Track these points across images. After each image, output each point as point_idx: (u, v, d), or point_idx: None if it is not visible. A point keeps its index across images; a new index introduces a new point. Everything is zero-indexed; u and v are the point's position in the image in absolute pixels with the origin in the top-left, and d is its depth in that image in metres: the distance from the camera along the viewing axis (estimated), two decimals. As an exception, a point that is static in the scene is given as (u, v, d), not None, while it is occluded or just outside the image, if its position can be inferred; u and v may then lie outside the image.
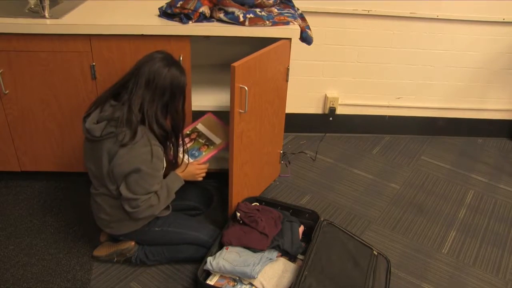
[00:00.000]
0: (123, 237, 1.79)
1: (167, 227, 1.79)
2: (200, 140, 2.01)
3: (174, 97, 1.67)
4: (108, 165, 1.61)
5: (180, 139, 1.81)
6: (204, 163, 1.95)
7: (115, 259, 1.83)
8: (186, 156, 1.90)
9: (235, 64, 1.69)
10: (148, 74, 1.61)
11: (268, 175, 2.28)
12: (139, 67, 1.63)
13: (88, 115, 1.67)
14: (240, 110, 1.80)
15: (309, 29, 2.06)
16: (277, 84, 2.03)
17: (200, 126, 2.06)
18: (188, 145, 1.99)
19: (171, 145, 1.76)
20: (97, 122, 1.62)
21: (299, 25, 1.97)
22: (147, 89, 1.61)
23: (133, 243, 1.81)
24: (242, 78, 1.74)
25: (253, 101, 1.87)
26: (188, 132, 2.04)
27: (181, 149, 1.87)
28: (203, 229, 1.85)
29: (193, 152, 1.97)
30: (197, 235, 1.82)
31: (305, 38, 2.04)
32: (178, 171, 1.84)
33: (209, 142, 2.01)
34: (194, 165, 1.90)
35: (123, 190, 1.61)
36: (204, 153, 1.97)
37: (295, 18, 1.98)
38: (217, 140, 2.02)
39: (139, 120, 1.60)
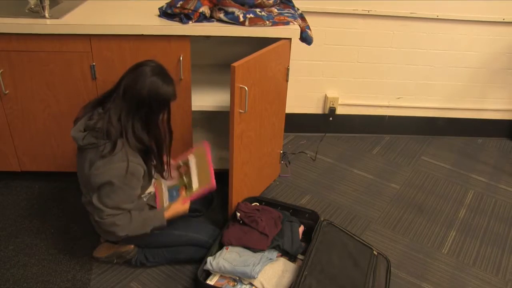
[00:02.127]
0: (121, 242, 1.79)
1: (167, 229, 1.77)
2: (185, 178, 1.87)
3: (151, 110, 1.57)
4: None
5: (165, 161, 1.74)
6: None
7: (115, 260, 1.83)
8: (166, 195, 1.83)
9: (235, 64, 1.69)
10: (126, 83, 1.55)
11: (268, 175, 2.29)
12: (123, 75, 1.59)
13: (77, 119, 1.64)
14: (240, 110, 1.80)
15: (309, 29, 2.06)
16: (277, 84, 2.03)
17: (191, 158, 1.89)
18: (173, 181, 1.87)
19: (154, 162, 1.69)
20: (84, 130, 1.59)
21: (299, 25, 1.97)
22: (124, 99, 1.55)
23: (132, 246, 1.81)
24: (242, 78, 1.75)
25: (253, 101, 1.87)
26: (180, 163, 1.91)
27: (164, 185, 1.83)
28: (202, 230, 1.85)
29: (172, 192, 1.84)
30: (196, 236, 1.82)
31: (305, 38, 2.04)
32: (167, 212, 1.74)
33: (188, 185, 1.84)
34: (176, 204, 1.78)
35: (94, 198, 1.58)
36: (180, 197, 1.81)
37: (295, 18, 1.99)
38: (194, 184, 1.82)
39: (119, 132, 1.54)
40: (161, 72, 1.60)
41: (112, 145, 1.53)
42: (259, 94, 1.89)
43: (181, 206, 1.77)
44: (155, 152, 1.67)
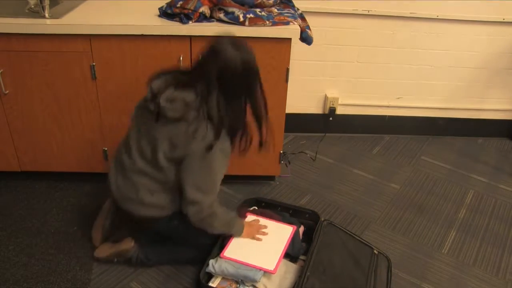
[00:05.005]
0: (143, 220, 1.72)
1: (184, 223, 1.73)
2: None
3: (252, 84, 1.56)
4: (168, 151, 1.55)
5: (264, 133, 1.68)
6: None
7: (115, 260, 1.83)
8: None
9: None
10: (217, 67, 1.49)
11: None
12: (205, 59, 1.52)
13: (152, 80, 1.58)
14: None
15: (309, 29, 2.06)
16: (277, 85, 2.03)
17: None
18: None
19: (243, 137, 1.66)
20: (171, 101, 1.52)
21: (299, 25, 1.97)
22: (220, 85, 1.50)
23: (132, 243, 1.80)
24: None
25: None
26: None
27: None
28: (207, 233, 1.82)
29: None
30: (203, 240, 1.79)
31: (305, 38, 2.04)
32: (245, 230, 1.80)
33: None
34: (254, 225, 1.85)
35: (189, 190, 1.57)
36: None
37: (295, 18, 1.98)
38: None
39: (219, 118, 1.52)
40: (239, 42, 1.52)
41: (215, 131, 1.51)
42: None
43: (250, 230, 1.82)
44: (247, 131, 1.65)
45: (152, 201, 1.66)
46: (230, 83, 1.52)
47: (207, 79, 1.50)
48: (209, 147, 1.52)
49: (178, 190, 1.65)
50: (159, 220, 1.72)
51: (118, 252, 1.80)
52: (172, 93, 1.52)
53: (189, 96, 1.50)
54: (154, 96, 1.54)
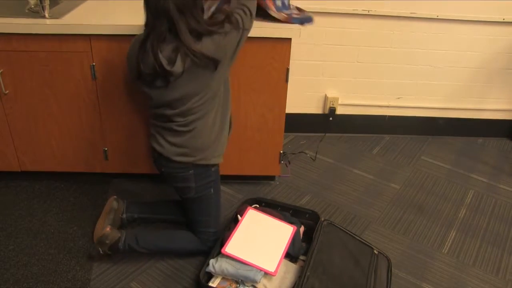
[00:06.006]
0: (179, 169, 1.73)
1: (216, 185, 1.81)
2: None
3: None
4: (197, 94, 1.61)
5: None
6: None
7: (101, 251, 1.80)
8: None
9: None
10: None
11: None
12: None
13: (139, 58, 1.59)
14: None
15: (300, 10, 2.00)
16: (277, 85, 2.03)
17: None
18: None
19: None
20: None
21: (289, 15, 1.92)
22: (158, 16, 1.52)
23: (108, 228, 1.80)
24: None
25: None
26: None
27: None
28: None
29: None
30: (215, 221, 1.85)
31: (302, 21, 1.95)
32: None
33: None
34: None
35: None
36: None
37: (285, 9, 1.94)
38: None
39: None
40: None
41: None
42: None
43: None
44: None
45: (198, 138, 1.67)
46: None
47: (168, 16, 1.51)
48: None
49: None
50: (196, 168, 1.72)
51: (99, 241, 1.79)
52: (165, 56, 1.52)
53: (171, 44, 1.52)
54: (158, 69, 1.54)
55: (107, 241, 1.79)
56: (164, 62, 1.51)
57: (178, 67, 1.52)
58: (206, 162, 1.72)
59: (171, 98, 1.60)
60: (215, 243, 1.83)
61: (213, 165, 1.77)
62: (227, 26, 1.56)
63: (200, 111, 1.64)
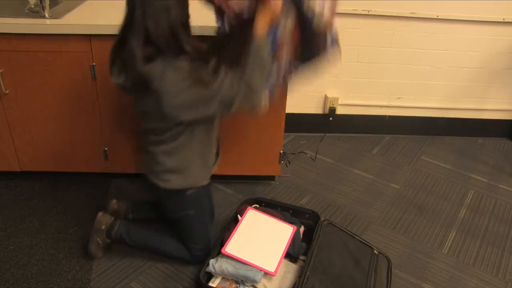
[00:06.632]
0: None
1: (196, 207, 1.72)
2: None
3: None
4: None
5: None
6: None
7: (99, 242, 1.81)
8: None
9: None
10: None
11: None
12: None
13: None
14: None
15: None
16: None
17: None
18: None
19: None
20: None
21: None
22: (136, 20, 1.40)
23: (100, 213, 1.80)
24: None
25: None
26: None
27: None
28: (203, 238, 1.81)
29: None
30: (204, 241, 1.80)
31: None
32: (257, 30, 1.45)
33: None
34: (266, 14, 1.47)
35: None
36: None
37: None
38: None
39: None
40: None
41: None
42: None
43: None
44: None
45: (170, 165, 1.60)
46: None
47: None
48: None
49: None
50: (177, 193, 1.66)
51: (95, 229, 1.80)
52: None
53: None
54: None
55: (102, 227, 1.79)
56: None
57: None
58: (171, 187, 1.64)
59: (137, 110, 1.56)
60: (204, 258, 1.78)
61: (187, 189, 1.67)
62: (208, 70, 1.41)
63: (158, 136, 1.57)
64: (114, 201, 1.97)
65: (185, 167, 1.63)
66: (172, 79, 1.40)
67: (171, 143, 1.57)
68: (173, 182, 1.63)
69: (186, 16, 1.45)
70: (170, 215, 1.79)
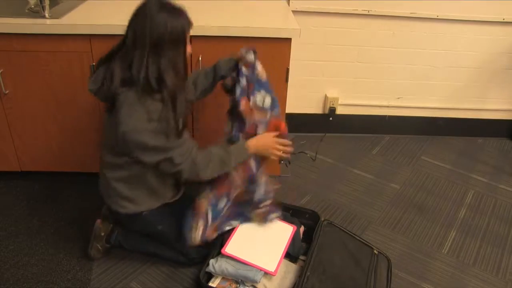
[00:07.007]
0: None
1: (163, 222, 1.73)
2: None
3: (170, 49, 1.45)
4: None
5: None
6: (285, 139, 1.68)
7: (99, 247, 1.81)
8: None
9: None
10: (134, 28, 1.45)
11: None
12: (129, 23, 1.47)
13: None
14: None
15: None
16: (277, 85, 2.03)
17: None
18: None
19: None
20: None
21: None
22: (135, 47, 1.45)
23: (98, 221, 1.81)
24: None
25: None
26: None
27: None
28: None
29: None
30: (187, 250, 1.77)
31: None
32: (251, 141, 1.63)
33: None
34: (271, 136, 1.65)
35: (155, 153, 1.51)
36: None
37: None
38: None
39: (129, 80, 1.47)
40: (166, 4, 1.45)
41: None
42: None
43: (264, 142, 1.64)
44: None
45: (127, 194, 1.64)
46: (146, 47, 1.42)
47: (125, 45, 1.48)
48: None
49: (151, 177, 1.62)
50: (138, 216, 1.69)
51: (94, 235, 1.81)
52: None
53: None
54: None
55: (102, 234, 1.79)
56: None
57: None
58: (127, 212, 1.67)
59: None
60: (204, 259, 1.76)
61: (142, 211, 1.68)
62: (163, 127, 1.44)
63: (116, 159, 1.60)
64: (99, 220, 1.88)
65: (135, 197, 1.66)
66: (139, 117, 1.44)
67: (126, 170, 1.60)
68: (129, 208, 1.67)
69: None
70: (143, 233, 1.81)
